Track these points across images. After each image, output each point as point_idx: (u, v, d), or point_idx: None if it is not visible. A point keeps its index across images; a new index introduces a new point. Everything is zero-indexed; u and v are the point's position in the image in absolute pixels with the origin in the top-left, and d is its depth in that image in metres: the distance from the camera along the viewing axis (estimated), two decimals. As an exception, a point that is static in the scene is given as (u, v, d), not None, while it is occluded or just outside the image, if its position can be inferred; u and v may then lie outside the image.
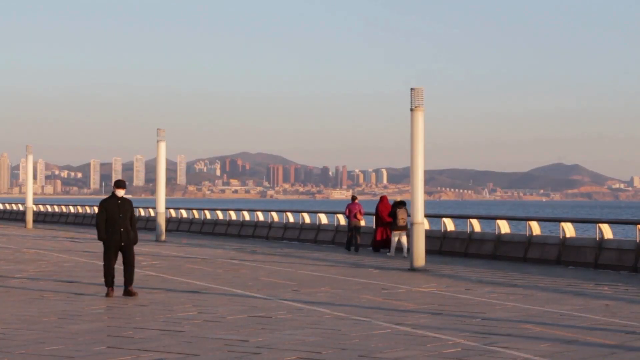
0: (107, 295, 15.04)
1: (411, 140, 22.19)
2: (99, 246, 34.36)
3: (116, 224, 14.95)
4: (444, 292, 16.48)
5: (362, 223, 30.17)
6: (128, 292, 15.13)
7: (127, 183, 16.19)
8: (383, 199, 28.80)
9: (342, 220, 34.15)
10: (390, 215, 27.43)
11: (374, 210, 29.20)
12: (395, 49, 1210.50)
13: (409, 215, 25.59)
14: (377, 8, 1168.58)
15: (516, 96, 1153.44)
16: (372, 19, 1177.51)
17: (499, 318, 12.70)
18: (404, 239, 26.93)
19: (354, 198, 30.17)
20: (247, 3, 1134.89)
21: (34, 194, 68.09)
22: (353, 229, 29.31)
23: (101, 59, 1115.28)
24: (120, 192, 15.19)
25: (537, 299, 15.42)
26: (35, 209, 60.59)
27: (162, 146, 36.26)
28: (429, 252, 23.67)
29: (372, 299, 15.21)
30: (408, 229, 25.20)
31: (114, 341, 10.44)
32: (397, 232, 27.20)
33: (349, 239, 29.57)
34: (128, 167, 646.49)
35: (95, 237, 16.24)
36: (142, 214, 51.60)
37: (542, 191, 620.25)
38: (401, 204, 27.61)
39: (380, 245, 28.30)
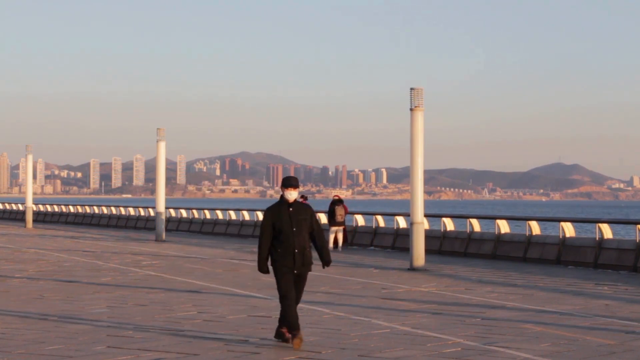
0: (288, 340, 10.17)
1: (411, 140, 22.18)
2: (99, 246, 34.28)
3: (287, 243, 9.98)
4: (444, 292, 16.48)
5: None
6: (280, 335, 10.32)
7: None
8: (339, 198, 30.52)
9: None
10: (328, 212, 29.53)
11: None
12: (395, 49, 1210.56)
13: (346, 213, 29.42)
14: (377, 8, 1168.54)
15: (516, 96, 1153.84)
16: (372, 19, 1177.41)
17: (499, 318, 12.70)
18: (340, 235, 29.37)
19: (305, 197, 31.36)
20: (247, 3, 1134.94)
21: (34, 193, 68.12)
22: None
23: (101, 59, 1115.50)
24: (292, 194, 10.11)
25: (537, 298, 15.41)
26: (35, 208, 60.61)
27: (162, 146, 36.26)
28: (428, 252, 23.67)
29: (372, 298, 15.21)
30: (345, 225, 29.77)
31: (114, 341, 10.44)
32: (334, 228, 29.30)
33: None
34: (128, 167, 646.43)
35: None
36: (142, 213, 51.62)
37: (542, 191, 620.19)
38: (339, 201, 29.59)
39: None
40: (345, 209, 30.22)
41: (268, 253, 10.10)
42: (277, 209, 10.08)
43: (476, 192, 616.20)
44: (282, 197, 10.15)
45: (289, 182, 10.16)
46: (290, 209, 10.05)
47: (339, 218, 29.12)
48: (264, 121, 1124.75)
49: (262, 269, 10.17)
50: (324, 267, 10.28)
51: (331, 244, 29.09)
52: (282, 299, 10.07)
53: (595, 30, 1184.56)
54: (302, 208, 10.12)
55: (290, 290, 10.03)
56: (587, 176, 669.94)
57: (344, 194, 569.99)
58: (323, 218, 32.58)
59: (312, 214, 10.12)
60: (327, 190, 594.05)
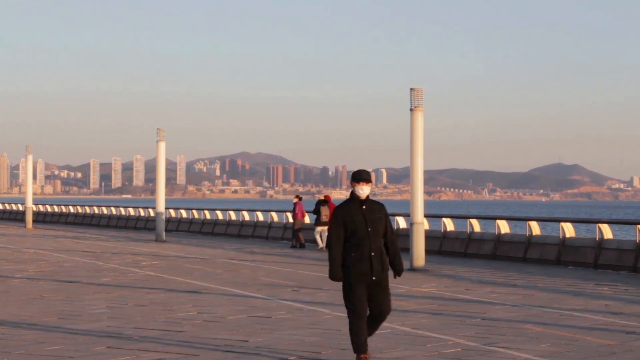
0: None
1: (411, 140, 22.17)
2: (99, 246, 34.24)
3: (362, 245, 8.62)
4: (444, 292, 16.47)
5: (307, 221, 33.27)
6: None
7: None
8: (329, 198, 31.02)
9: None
10: (314, 212, 29.96)
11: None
12: (395, 49, 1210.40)
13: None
14: (377, 8, 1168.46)
15: (516, 96, 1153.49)
16: (372, 19, 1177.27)
17: (499, 318, 12.69)
18: (325, 235, 29.57)
19: (299, 198, 32.47)
20: (247, 3, 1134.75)
21: (34, 194, 68.15)
22: (300, 228, 31.34)
23: (101, 58, 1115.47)
24: (365, 190, 8.71)
25: (537, 299, 15.41)
26: (34, 209, 60.60)
27: (162, 146, 36.25)
28: (428, 252, 23.67)
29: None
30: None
31: (113, 341, 10.43)
32: (319, 229, 29.81)
33: (296, 237, 31.46)
34: (128, 167, 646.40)
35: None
36: (142, 214, 51.60)
37: (541, 191, 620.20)
38: (324, 201, 30.02)
39: None
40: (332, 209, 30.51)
41: (342, 258, 8.65)
42: (348, 207, 8.70)
43: (476, 193, 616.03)
44: (352, 193, 8.78)
45: (360, 176, 8.72)
46: (363, 207, 8.68)
47: (323, 218, 29.51)
48: (264, 121, 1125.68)
49: (337, 275, 8.61)
50: (395, 277, 8.98)
51: (320, 244, 29.71)
52: (352, 314, 8.60)
53: (595, 30, 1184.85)
54: (377, 206, 8.73)
55: (364, 303, 8.62)
56: (587, 176, 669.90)
57: (343, 194, 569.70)
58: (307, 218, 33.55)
59: (386, 213, 8.76)
60: (327, 190, 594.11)
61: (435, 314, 13.17)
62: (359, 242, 8.57)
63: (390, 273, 8.81)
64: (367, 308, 8.67)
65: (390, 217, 32.90)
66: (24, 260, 24.22)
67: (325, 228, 29.83)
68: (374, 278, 8.58)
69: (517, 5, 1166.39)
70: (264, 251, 29.30)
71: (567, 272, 21.52)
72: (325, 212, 29.57)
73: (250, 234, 39.55)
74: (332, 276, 8.64)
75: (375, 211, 8.67)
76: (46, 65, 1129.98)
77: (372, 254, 8.57)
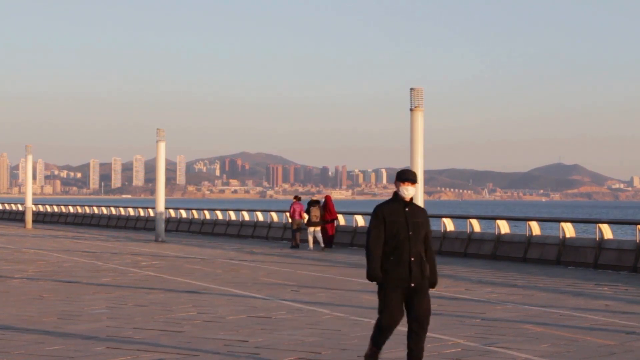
0: (371, 357, 8.56)
1: (411, 140, 22.14)
2: (99, 246, 34.23)
3: (401, 249, 8.10)
4: (444, 292, 16.45)
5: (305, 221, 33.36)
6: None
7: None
8: (328, 198, 31.44)
9: (342, 220, 34.21)
10: (305, 212, 30.25)
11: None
12: (395, 49, 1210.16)
13: (330, 214, 30.56)
14: (377, 8, 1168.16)
15: (516, 96, 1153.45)
16: (372, 19, 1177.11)
17: (499, 318, 12.68)
18: (318, 235, 30.12)
19: (298, 198, 32.40)
20: (247, 3, 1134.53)
21: (34, 194, 68.15)
22: (298, 228, 31.47)
23: (101, 58, 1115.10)
24: (410, 191, 8.19)
25: (537, 299, 15.40)
26: (34, 209, 60.59)
27: (162, 146, 36.23)
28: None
29: (372, 299, 15.16)
30: (331, 224, 30.75)
31: (113, 342, 10.42)
32: (311, 229, 30.15)
33: (294, 237, 31.60)
34: (127, 167, 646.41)
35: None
36: (142, 214, 51.59)
37: (542, 191, 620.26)
38: (315, 202, 30.52)
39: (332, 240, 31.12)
40: (331, 209, 30.90)
41: (383, 260, 8.08)
42: (390, 207, 8.13)
43: (476, 193, 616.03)
44: (396, 194, 8.19)
45: (406, 176, 8.14)
46: (407, 209, 8.13)
47: (313, 218, 29.86)
48: (264, 121, 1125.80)
49: (377, 275, 8.05)
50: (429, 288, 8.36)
51: (310, 245, 30.13)
52: (384, 318, 8.16)
53: (596, 30, 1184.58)
54: (419, 210, 8.26)
55: (398, 310, 8.12)
56: (587, 176, 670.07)
57: (343, 194, 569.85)
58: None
59: (427, 219, 8.34)
60: (327, 190, 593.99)
61: (435, 314, 13.12)
62: (398, 246, 8.04)
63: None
64: (401, 316, 8.19)
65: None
66: (23, 260, 24.21)
67: (318, 228, 30.16)
68: (412, 285, 8.05)
69: (517, 5, 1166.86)
70: (263, 251, 29.30)
71: (567, 272, 21.51)
72: (315, 213, 29.93)
73: (250, 234, 39.55)
74: (371, 276, 8.08)
75: (418, 215, 8.19)
76: (46, 65, 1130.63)
77: (412, 259, 8.04)
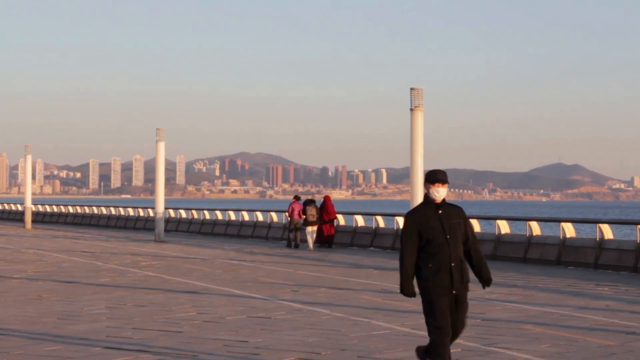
0: None
1: (411, 140, 22.14)
2: (98, 247, 34.21)
3: (440, 255, 7.54)
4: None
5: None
6: None
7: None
8: (327, 199, 31.54)
9: (342, 220, 34.21)
10: (302, 212, 30.39)
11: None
12: (395, 48, 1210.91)
13: (329, 213, 30.79)
14: (377, 8, 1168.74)
15: (516, 96, 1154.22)
16: (372, 19, 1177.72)
17: (499, 318, 12.67)
18: (314, 234, 30.25)
19: (297, 198, 32.28)
20: (247, 3, 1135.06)
21: (33, 194, 68.15)
22: (295, 227, 31.41)
23: (101, 58, 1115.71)
24: (441, 192, 7.61)
25: (537, 299, 15.38)
26: (34, 209, 60.58)
27: (162, 146, 36.22)
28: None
29: (372, 299, 15.17)
30: (330, 224, 30.88)
31: (112, 342, 10.40)
32: (309, 229, 30.13)
33: (293, 237, 31.60)
34: (127, 167, 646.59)
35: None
36: (142, 214, 51.58)
37: (542, 191, 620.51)
38: (311, 202, 30.60)
39: (331, 239, 31.19)
40: (330, 209, 31.01)
41: (414, 270, 7.60)
42: (422, 212, 7.60)
43: (476, 193, 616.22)
44: (426, 196, 7.65)
45: (436, 177, 7.58)
46: (440, 212, 7.59)
47: (310, 218, 29.98)
48: (264, 121, 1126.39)
49: (409, 290, 7.60)
50: (484, 288, 7.95)
51: (310, 245, 29.98)
52: (435, 330, 7.48)
53: (596, 30, 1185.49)
54: (454, 210, 7.66)
55: (448, 318, 7.49)
56: (588, 176, 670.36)
57: (343, 194, 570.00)
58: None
59: (465, 217, 7.73)
60: (327, 190, 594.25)
61: (435, 314, 13.13)
62: (436, 252, 7.50)
63: (477, 284, 8.11)
64: (449, 321, 7.53)
65: (390, 218, 33.35)
66: (23, 260, 24.19)
67: (315, 228, 30.27)
68: (453, 292, 7.51)
69: (517, 5, 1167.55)
70: (263, 251, 29.28)
71: (568, 272, 21.49)
72: (311, 212, 30.03)
73: (249, 234, 39.52)
74: (404, 291, 7.62)
75: (453, 216, 7.61)
76: (46, 65, 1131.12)
77: (452, 264, 7.49)
